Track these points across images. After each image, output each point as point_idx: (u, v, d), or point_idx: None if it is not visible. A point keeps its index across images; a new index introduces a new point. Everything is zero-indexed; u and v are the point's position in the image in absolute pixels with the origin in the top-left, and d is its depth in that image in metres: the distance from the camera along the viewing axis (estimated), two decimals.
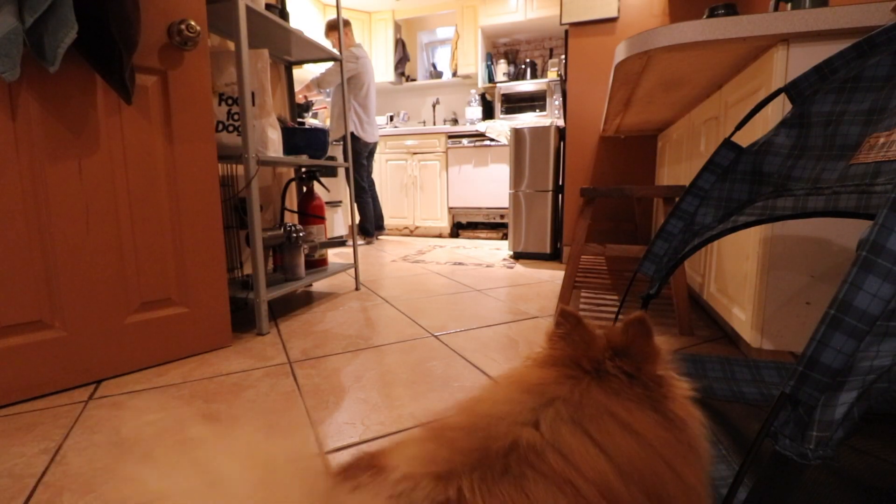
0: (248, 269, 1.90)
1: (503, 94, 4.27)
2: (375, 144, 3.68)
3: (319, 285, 2.23)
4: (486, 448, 0.36)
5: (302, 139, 1.79)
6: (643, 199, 2.73)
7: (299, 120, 3.21)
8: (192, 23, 1.21)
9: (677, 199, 0.89)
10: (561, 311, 0.54)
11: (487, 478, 0.34)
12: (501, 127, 3.91)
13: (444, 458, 0.35)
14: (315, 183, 2.03)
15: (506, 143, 3.84)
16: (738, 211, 0.82)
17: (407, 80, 4.94)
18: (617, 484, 0.36)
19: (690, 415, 0.45)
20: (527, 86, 4.18)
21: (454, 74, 4.70)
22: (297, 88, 2.88)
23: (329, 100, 3.78)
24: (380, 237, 4.25)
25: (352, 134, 3.45)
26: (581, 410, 0.40)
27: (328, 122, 3.78)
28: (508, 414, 0.39)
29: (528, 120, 4.11)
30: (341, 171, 3.70)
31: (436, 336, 1.46)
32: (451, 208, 4.20)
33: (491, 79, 4.59)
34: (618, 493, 0.36)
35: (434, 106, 4.82)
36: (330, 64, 3.19)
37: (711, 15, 1.46)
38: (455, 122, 4.79)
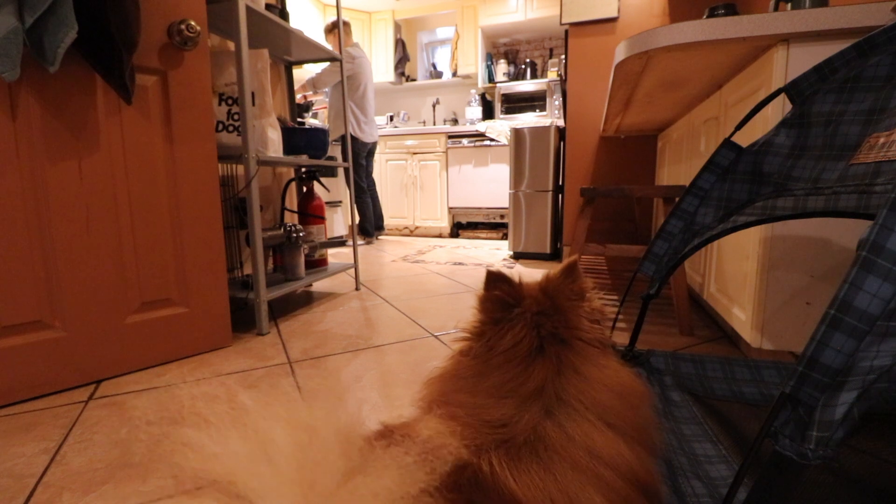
0: (248, 269, 1.90)
1: (503, 94, 4.27)
2: (374, 144, 3.68)
3: (319, 285, 2.23)
4: (512, 434, 0.37)
5: (302, 139, 1.79)
6: (643, 199, 2.73)
7: (299, 120, 3.21)
8: (192, 23, 1.21)
9: (677, 199, 0.89)
10: (488, 273, 0.54)
11: (513, 455, 0.35)
12: (501, 127, 3.91)
13: (470, 434, 0.37)
14: (315, 183, 2.03)
15: (506, 143, 3.84)
16: (738, 211, 0.82)
17: (407, 80, 4.94)
18: (631, 457, 0.39)
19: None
20: (527, 86, 4.18)
21: (454, 74, 4.70)
22: (296, 88, 2.88)
23: (328, 100, 3.78)
24: (380, 237, 4.25)
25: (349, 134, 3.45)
26: (588, 400, 0.41)
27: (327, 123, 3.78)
28: (520, 413, 0.40)
29: (528, 120, 4.11)
30: (341, 171, 3.70)
31: (436, 336, 1.46)
32: (451, 208, 4.20)
33: (491, 79, 4.59)
34: (632, 464, 0.38)
35: (434, 106, 4.82)
36: (326, 64, 3.19)
37: (711, 15, 1.46)
38: (455, 122, 4.79)
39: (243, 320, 1.64)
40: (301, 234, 1.73)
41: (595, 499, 0.34)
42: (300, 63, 2.17)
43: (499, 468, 0.34)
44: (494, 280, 0.53)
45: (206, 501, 0.26)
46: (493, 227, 4.31)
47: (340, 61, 2.04)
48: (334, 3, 4.56)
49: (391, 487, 0.28)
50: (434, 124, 4.82)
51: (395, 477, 0.29)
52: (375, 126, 3.70)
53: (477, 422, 0.39)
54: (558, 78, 4.08)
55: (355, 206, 2.41)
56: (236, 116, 1.53)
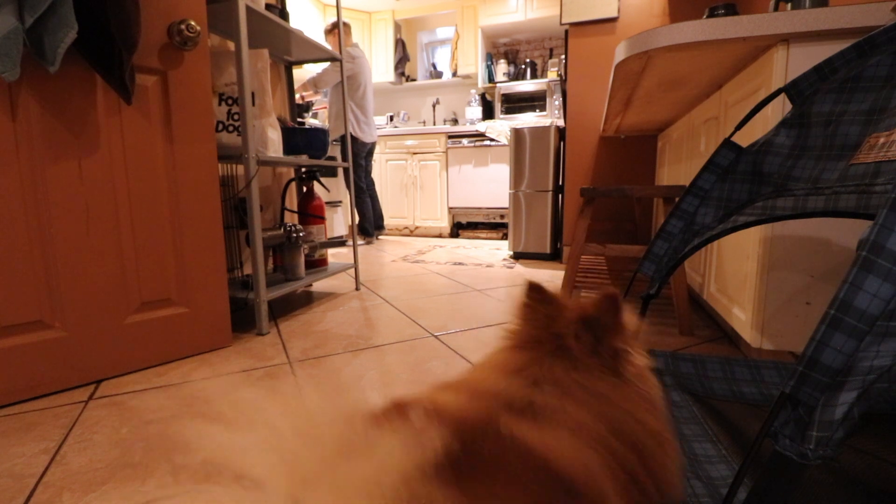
0: (248, 269, 1.90)
1: (503, 94, 4.27)
2: (374, 144, 3.68)
3: (319, 285, 2.23)
4: (509, 403, 0.40)
5: (302, 139, 1.79)
6: (643, 199, 2.73)
7: (299, 120, 3.21)
8: (192, 23, 1.21)
9: (677, 199, 0.89)
10: (528, 284, 0.55)
11: (519, 419, 0.37)
12: (501, 127, 3.91)
13: (477, 406, 0.39)
14: (315, 183, 2.03)
15: (506, 143, 3.84)
16: (738, 211, 0.82)
17: (407, 80, 4.94)
18: (611, 440, 0.40)
19: (645, 377, 0.50)
20: (527, 86, 4.18)
21: (454, 74, 4.70)
22: (296, 87, 2.88)
23: (328, 100, 3.78)
24: (380, 237, 4.25)
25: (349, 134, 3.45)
26: (561, 387, 0.43)
27: (327, 123, 3.78)
28: (508, 388, 0.43)
29: (528, 120, 4.11)
30: (340, 171, 3.70)
31: (436, 336, 1.46)
32: (451, 208, 4.20)
33: (491, 79, 4.59)
34: (613, 446, 0.39)
35: (434, 106, 4.82)
36: (327, 64, 3.19)
37: (711, 15, 1.46)
38: (455, 122, 4.79)
39: (243, 320, 1.64)
40: (301, 234, 1.73)
41: (594, 458, 0.36)
42: (300, 63, 2.17)
43: (514, 427, 0.36)
44: (532, 290, 0.55)
45: (216, 488, 0.27)
46: (493, 227, 4.31)
47: (340, 61, 2.04)
48: (334, 4, 4.55)
49: (385, 467, 0.28)
50: (434, 124, 4.81)
51: (389, 456, 0.29)
52: (374, 126, 3.70)
53: (481, 392, 0.41)
54: (558, 78, 4.08)
55: (355, 207, 2.42)
56: (236, 116, 1.53)
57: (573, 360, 0.47)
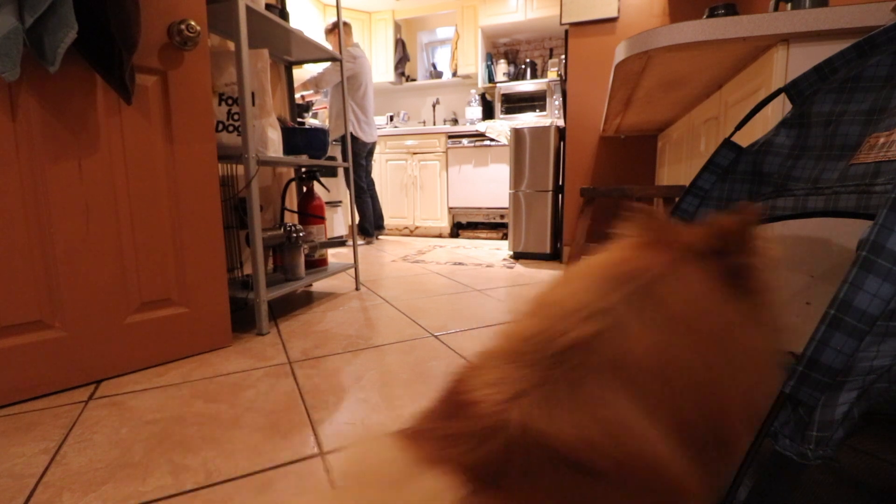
0: (248, 269, 1.90)
1: (503, 94, 4.27)
2: (374, 144, 3.68)
3: (319, 285, 2.23)
4: (547, 354, 0.36)
5: (302, 139, 1.79)
6: (643, 199, 2.73)
7: (299, 120, 3.21)
8: (192, 23, 1.21)
9: (677, 199, 0.89)
10: (642, 211, 0.50)
11: (551, 394, 0.34)
12: (501, 127, 3.91)
13: (515, 377, 0.36)
14: (315, 183, 2.03)
15: (506, 143, 3.84)
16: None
17: (407, 80, 4.94)
18: (676, 378, 0.36)
19: (767, 298, 0.44)
20: (527, 86, 4.18)
21: (454, 74, 4.70)
22: (296, 86, 2.88)
23: (328, 100, 3.78)
24: (380, 237, 4.25)
25: (350, 134, 3.45)
26: (655, 300, 0.39)
27: (328, 123, 3.78)
28: (576, 307, 0.39)
29: (528, 120, 4.11)
30: (341, 171, 3.70)
31: (436, 336, 1.46)
32: (451, 208, 4.20)
33: (491, 79, 4.59)
34: (674, 383, 0.36)
35: (434, 106, 4.82)
36: (328, 63, 3.19)
37: (711, 15, 1.46)
38: (455, 122, 4.79)
39: (243, 320, 1.64)
40: (301, 234, 1.73)
41: (623, 403, 0.34)
42: (300, 63, 2.17)
43: (528, 417, 0.33)
44: (643, 213, 0.50)
45: None
46: (493, 227, 4.31)
47: (341, 61, 2.04)
48: (334, 3, 4.55)
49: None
50: (434, 124, 4.81)
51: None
52: (375, 126, 3.70)
53: (527, 344, 0.38)
54: (558, 78, 4.08)
55: (355, 206, 2.42)
56: (236, 116, 1.53)
57: (702, 270, 0.41)
